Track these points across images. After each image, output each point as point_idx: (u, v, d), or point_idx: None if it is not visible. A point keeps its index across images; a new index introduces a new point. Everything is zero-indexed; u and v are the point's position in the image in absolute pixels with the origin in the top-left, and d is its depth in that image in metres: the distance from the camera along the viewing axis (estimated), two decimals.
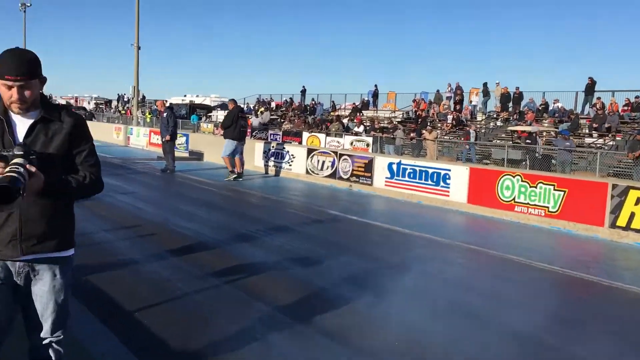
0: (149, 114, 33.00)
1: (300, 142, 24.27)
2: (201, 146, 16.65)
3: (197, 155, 17.18)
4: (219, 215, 8.23)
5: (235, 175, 12.15)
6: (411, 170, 10.64)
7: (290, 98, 39.64)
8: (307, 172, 12.87)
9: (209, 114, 35.42)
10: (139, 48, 32.02)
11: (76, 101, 61.29)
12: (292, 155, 13.27)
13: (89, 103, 57.89)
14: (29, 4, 54.60)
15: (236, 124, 12.23)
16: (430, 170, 10.33)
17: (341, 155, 12.14)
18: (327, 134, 24.33)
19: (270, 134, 25.94)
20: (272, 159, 13.76)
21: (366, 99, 36.71)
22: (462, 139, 20.36)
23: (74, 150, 2.12)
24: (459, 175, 9.90)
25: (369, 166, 11.45)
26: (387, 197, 10.98)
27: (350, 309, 4.24)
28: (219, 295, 4.41)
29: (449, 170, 10.10)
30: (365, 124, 24.97)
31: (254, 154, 14.23)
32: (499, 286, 5.33)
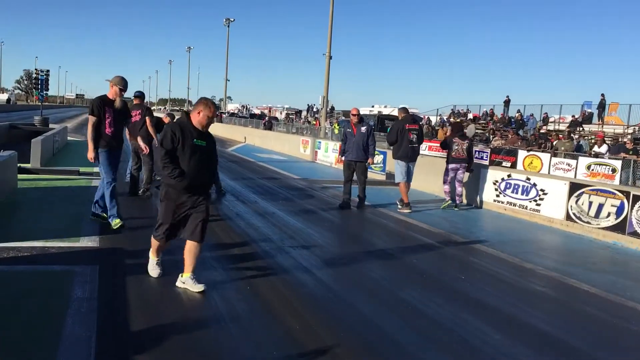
0: (337, 124, 31.03)
1: (514, 163, 19.58)
2: None
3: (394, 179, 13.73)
4: (432, 311, 4.46)
5: (407, 210, 9.13)
6: None
7: (491, 109, 34.60)
8: (568, 217, 8.39)
9: None
10: (330, 57, 30.62)
11: (270, 111, 63.79)
12: (541, 190, 8.90)
13: (280, 113, 59.49)
14: (232, 20, 58.44)
15: (402, 139, 9.22)
16: None
17: (637, 197, 7.44)
18: (554, 154, 19.07)
19: (475, 152, 21.62)
20: (507, 192, 9.54)
21: (587, 110, 30.31)
22: None
23: None
24: None
25: None
26: None
27: None
28: None
29: None
30: (607, 142, 19.02)
31: (474, 181, 10.24)
32: None
